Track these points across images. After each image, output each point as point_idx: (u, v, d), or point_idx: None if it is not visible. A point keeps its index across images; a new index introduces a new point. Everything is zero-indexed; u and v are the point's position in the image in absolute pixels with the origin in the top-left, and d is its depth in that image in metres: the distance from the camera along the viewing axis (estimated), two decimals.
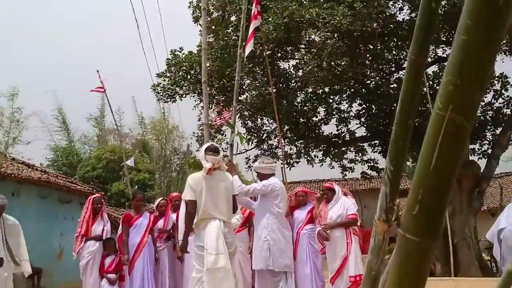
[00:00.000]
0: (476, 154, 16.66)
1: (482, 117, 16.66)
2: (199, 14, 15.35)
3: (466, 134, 0.78)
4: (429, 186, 0.79)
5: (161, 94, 16.92)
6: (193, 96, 17.01)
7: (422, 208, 0.80)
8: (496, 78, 16.14)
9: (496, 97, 16.46)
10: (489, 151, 16.32)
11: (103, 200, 8.62)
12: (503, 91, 16.29)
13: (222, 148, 17.13)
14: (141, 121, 40.05)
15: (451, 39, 14.39)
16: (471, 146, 16.30)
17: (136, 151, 37.69)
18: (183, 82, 16.49)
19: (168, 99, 17.16)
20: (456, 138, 0.76)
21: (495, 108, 16.66)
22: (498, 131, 16.37)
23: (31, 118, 29.15)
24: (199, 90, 15.57)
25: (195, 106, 17.56)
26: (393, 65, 15.98)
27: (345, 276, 7.31)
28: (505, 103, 16.45)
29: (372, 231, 1.15)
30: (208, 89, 15.86)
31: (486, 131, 16.77)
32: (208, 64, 14.53)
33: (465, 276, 12.74)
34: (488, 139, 16.84)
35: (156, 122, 39.26)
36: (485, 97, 16.07)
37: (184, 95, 17.02)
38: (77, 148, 37.49)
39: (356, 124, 17.13)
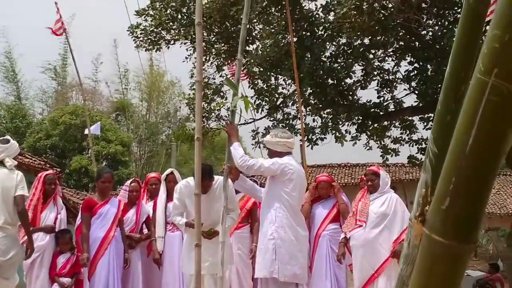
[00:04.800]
0: None
1: None
2: None
3: None
4: (464, 172, 0.82)
5: (141, 39, 16.91)
6: (185, 43, 16.98)
7: (454, 202, 0.83)
8: None
9: None
10: None
11: (58, 179, 8.70)
12: None
13: (222, 117, 17.29)
14: (124, 74, 39.81)
15: None
16: None
17: (112, 115, 37.70)
18: (171, 23, 16.45)
19: (151, 46, 17.14)
20: (501, 111, 0.79)
21: None
22: None
23: None
24: (193, 36, 15.51)
25: (186, 58, 17.52)
26: (458, 10, 15.86)
27: None
28: None
29: (407, 233, 1.19)
30: (205, 34, 15.93)
31: None
32: (205, 0, 14.49)
33: None
34: None
35: (142, 76, 38.99)
36: None
37: (172, 41, 16.99)
38: (27, 107, 37.55)
39: (405, 89, 17.02)
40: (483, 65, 0.79)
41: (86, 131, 15.65)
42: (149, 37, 16.85)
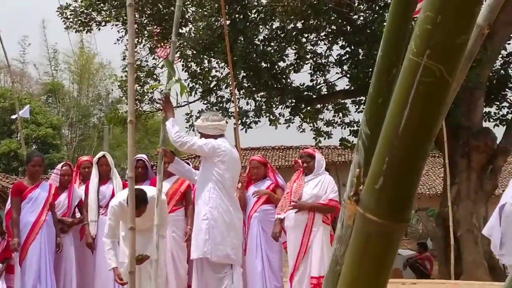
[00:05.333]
0: (492, 120, 17.06)
1: (501, 70, 17.01)
2: None
3: (447, 88, 0.82)
4: (397, 152, 0.83)
5: (71, 20, 16.60)
6: (116, 25, 16.74)
7: (387, 181, 0.84)
8: None
9: None
10: (510, 116, 16.76)
11: None
12: None
13: (155, 100, 17.13)
14: (54, 55, 39.09)
15: None
16: (486, 110, 16.71)
17: (43, 97, 37.11)
18: (102, 4, 16.19)
19: (81, 27, 16.85)
20: (433, 92, 0.80)
21: None
22: None
23: None
24: (124, 17, 15.29)
25: (118, 39, 17.27)
26: None
27: (306, 275, 7.50)
28: None
29: (340, 214, 1.20)
30: (138, 16, 15.73)
31: (507, 90, 17.15)
32: None
33: (469, 279, 13.17)
34: (509, 100, 17.24)
35: (73, 58, 38.43)
36: (508, 43, 16.39)
37: (103, 23, 16.74)
38: None
39: (337, 73, 17.23)
40: (416, 46, 0.81)
41: (15, 115, 15.30)
42: (79, 18, 16.56)
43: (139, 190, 6.37)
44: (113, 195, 8.37)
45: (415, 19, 0.86)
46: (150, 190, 6.68)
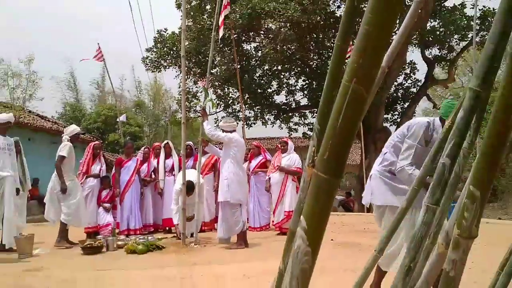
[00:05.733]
0: (388, 122, 17.10)
1: (394, 93, 17.03)
2: (181, 2, 14.87)
3: (365, 101, 0.80)
4: (336, 139, 0.82)
5: (149, 65, 16.56)
6: (175, 68, 16.71)
7: (330, 155, 0.83)
8: (407, 64, 16.55)
9: (406, 79, 16.93)
10: (398, 120, 16.79)
11: (101, 147, 8.42)
12: (411, 74, 16.78)
13: (197, 111, 17.10)
14: (138, 86, 39.52)
15: None
16: (385, 116, 16.72)
17: (133, 109, 37.21)
18: (166, 56, 16.14)
19: (155, 70, 16.82)
20: (357, 104, 0.79)
21: (404, 87, 17.10)
22: (406, 105, 16.86)
23: (49, 81, 27.77)
24: (179, 63, 15.27)
25: (175, 76, 17.27)
26: (331, 51, 16.03)
27: (282, 210, 7.52)
28: (413, 83, 17.01)
29: (303, 175, 1.19)
30: (187, 63, 15.69)
31: (397, 104, 17.20)
32: (187, 43, 14.23)
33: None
34: (398, 111, 17.30)
35: (150, 87, 38.92)
36: (398, 78, 16.43)
37: (167, 67, 16.69)
38: (82, 104, 36.62)
39: (301, 95, 17.23)
40: (347, 76, 0.79)
41: (121, 118, 15.35)
42: (154, 64, 16.51)
43: (189, 182, 6.44)
44: (172, 165, 8.36)
45: (346, 62, 0.85)
46: (194, 178, 6.69)
